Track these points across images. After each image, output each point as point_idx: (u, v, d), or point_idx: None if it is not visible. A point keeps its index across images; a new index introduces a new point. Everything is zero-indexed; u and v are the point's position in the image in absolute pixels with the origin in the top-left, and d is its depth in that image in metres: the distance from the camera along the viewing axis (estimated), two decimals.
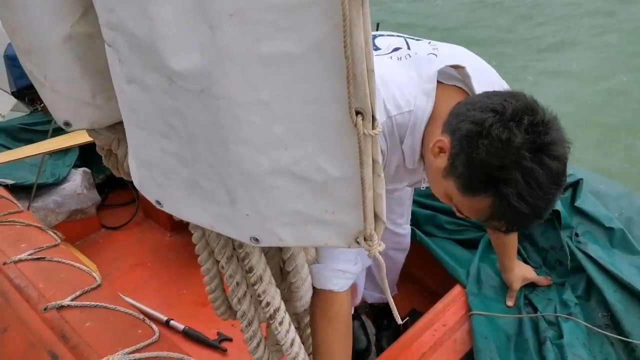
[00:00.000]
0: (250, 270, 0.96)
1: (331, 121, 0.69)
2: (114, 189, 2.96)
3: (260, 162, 0.73)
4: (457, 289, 1.74)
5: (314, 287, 1.21)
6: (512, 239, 1.66)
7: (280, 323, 1.00)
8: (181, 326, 2.18)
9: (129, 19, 0.74)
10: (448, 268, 1.80)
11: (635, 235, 1.67)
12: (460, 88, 1.22)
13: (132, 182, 0.96)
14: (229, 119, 0.71)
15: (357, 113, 0.67)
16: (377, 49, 1.29)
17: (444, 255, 1.83)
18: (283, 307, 1.02)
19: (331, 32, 0.62)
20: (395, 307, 0.90)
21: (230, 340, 2.15)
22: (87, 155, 2.76)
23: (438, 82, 1.19)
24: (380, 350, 1.91)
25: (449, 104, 1.14)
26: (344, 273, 1.25)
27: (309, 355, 1.15)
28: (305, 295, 1.09)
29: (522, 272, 1.69)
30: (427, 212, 1.98)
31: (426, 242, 1.90)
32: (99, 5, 0.79)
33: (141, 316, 1.50)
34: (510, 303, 1.67)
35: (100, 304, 1.50)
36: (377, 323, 2.06)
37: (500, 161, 0.97)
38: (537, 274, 1.73)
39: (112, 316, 1.49)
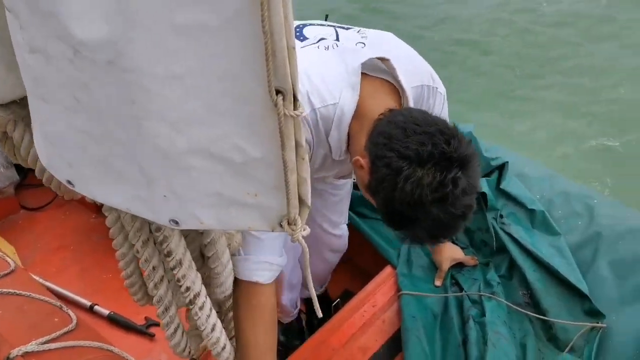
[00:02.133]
0: (169, 254, 0.92)
1: (250, 99, 0.66)
2: None
3: (175, 140, 0.69)
4: (387, 269, 1.77)
5: (238, 279, 1.19)
6: None
7: (201, 308, 0.97)
8: (106, 311, 2.10)
9: None
10: (379, 249, 1.82)
11: (555, 216, 1.75)
12: (387, 80, 1.22)
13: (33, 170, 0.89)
14: (139, 93, 0.66)
15: (278, 92, 0.64)
16: (304, 38, 1.27)
17: (376, 236, 1.85)
18: (204, 291, 0.98)
19: (249, 4, 0.58)
20: (317, 303, 0.90)
21: (158, 325, 2.09)
22: None
23: (364, 74, 1.19)
24: (312, 331, 1.91)
25: (375, 99, 1.16)
26: (270, 265, 1.24)
27: (230, 339, 1.13)
28: (225, 282, 1.06)
29: (450, 253, 1.73)
30: (359, 193, 1.98)
31: (358, 223, 1.90)
32: None
33: (58, 303, 1.42)
34: (438, 283, 1.71)
35: (14, 290, 1.41)
36: (310, 306, 2.06)
37: (413, 214, 1.07)
38: (465, 254, 1.78)
39: (26, 304, 1.41)
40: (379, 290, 1.70)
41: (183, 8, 0.60)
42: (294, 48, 0.62)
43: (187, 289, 0.95)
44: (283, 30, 0.60)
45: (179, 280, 0.94)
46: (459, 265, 1.75)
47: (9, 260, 1.57)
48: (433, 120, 1.11)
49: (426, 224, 1.08)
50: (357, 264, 2.16)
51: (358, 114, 1.18)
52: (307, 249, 0.80)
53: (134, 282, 0.99)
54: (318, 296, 2.03)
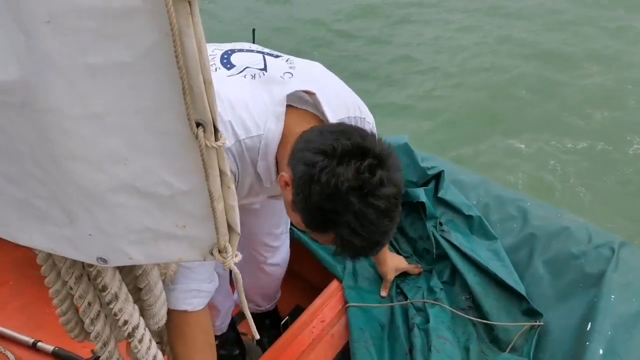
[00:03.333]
0: (104, 288, 0.90)
1: (171, 133, 0.66)
2: None
3: (97, 178, 0.69)
4: (334, 283, 1.79)
5: (168, 308, 1.17)
6: None
7: (140, 341, 0.96)
8: (50, 347, 2.01)
9: None
10: (325, 264, 1.84)
11: (491, 220, 1.82)
12: (313, 112, 1.23)
13: None
14: (57, 133, 0.65)
15: (198, 125, 0.65)
16: (231, 66, 1.26)
17: (321, 251, 1.87)
18: (142, 323, 0.97)
19: (161, 41, 0.59)
20: (253, 324, 0.89)
21: None
22: None
23: (290, 106, 1.20)
24: (263, 350, 1.90)
25: (301, 127, 1.16)
26: (198, 292, 1.24)
27: None
28: (158, 313, 1.05)
29: (395, 263, 1.77)
30: None
31: (303, 240, 1.92)
32: None
33: None
34: (384, 294, 1.74)
35: None
36: (260, 323, 2.05)
37: (332, 206, 1.04)
38: (409, 263, 1.82)
39: None
40: (326, 305, 1.72)
41: (96, 49, 0.60)
42: (210, 82, 0.63)
43: (125, 322, 0.94)
44: (198, 64, 0.61)
45: (115, 315, 0.93)
46: (402, 275, 1.79)
47: None
48: (350, 125, 1.14)
49: (349, 220, 1.04)
50: (307, 280, 2.17)
51: (284, 141, 1.18)
52: (240, 276, 0.80)
53: (70, 319, 0.97)
54: (267, 313, 2.04)
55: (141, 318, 0.97)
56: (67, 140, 0.66)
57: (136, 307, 0.96)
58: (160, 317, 1.06)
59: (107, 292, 0.90)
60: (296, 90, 1.20)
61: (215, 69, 1.24)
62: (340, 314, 1.70)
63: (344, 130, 1.10)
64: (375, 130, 1.37)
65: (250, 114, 1.17)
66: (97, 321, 0.95)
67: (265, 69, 1.26)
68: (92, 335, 0.95)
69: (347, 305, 1.68)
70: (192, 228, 0.74)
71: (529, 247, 1.72)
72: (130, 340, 0.96)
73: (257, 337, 0.93)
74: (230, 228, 0.75)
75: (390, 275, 1.75)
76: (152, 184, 0.70)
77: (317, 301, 1.72)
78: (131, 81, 0.62)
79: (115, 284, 0.91)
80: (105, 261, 0.78)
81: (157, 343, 1.03)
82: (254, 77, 1.23)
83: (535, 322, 1.56)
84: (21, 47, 0.60)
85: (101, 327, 0.95)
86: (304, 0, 7.37)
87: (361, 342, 1.56)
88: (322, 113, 1.21)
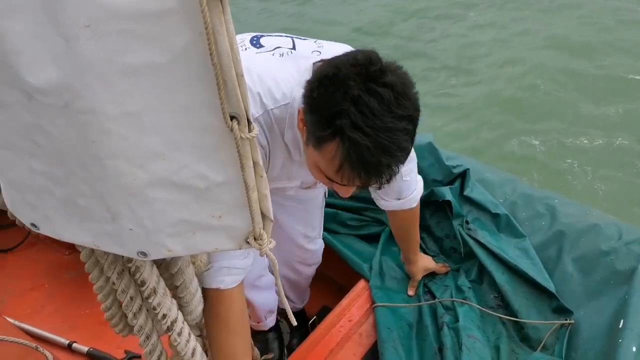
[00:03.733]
0: (143, 283, 0.93)
1: (206, 128, 0.69)
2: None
3: (137, 175, 0.72)
4: (361, 283, 1.79)
5: (203, 288, 1.18)
6: (414, 234, 1.72)
7: (179, 334, 0.99)
8: (85, 348, 2.07)
9: None
10: (352, 264, 1.85)
11: (518, 218, 1.81)
12: None
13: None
14: (98, 133, 0.68)
15: (232, 118, 0.68)
16: (260, 46, 1.29)
17: (348, 251, 1.88)
18: (181, 317, 1.00)
19: (195, 40, 0.62)
20: (291, 312, 0.91)
21: (139, 357, 2.07)
22: None
23: None
24: (290, 350, 1.92)
25: None
26: (229, 269, 1.22)
27: None
28: (195, 310, 1.08)
29: (424, 264, 1.77)
30: (330, 211, 2.02)
31: (330, 240, 1.93)
32: None
33: (34, 344, 1.42)
34: (411, 292, 1.74)
35: None
36: (289, 323, 2.07)
37: (331, 97, 0.98)
38: (436, 263, 1.82)
39: (1, 347, 1.40)
40: (354, 305, 1.73)
41: (132, 50, 0.63)
42: (242, 75, 0.65)
43: (164, 316, 0.96)
44: (230, 60, 0.63)
45: (154, 309, 0.95)
46: (430, 274, 1.79)
47: None
48: None
49: (350, 111, 0.97)
50: (334, 280, 2.19)
51: None
52: (276, 261, 0.82)
53: (114, 314, 0.99)
54: (297, 313, 2.06)
55: (179, 312, 1.00)
56: (107, 139, 0.69)
57: (174, 301, 0.99)
58: (197, 314, 1.09)
59: (145, 286, 0.93)
60: (322, 60, 1.21)
61: (245, 49, 1.27)
62: (367, 314, 1.70)
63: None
64: None
65: (278, 85, 1.19)
66: (140, 315, 0.97)
67: (294, 47, 1.28)
68: (136, 328, 0.98)
69: (375, 305, 1.68)
70: (227, 218, 0.77)
71: (557, 245, 1.70)
72: (169, 333, 0.99)
73: (295, 323, 0.94)
74: (263, 216, 0.78)
75: (419, 275, 1.76)
76: (189, 177, 0.73)
77: (345, 301, 1.73)
78: (166, 80, 0.65)
79: (153, 278, 0.93)
80: (145, 255, 0.80)
81: (197, 336, 1.05)
82: (282, 55, 1.25)
83: (566, 320, 1.55)
84: (61, 51, 0.63)
85: (143, 320, 0.98)
86: (323, 1, 7.45)
87: (389, 342, 1.56)
88: None
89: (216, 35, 0.61)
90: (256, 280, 1.77)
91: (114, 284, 0.95)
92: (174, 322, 0.99)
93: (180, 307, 1.04)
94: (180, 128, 0.69)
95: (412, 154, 1.39)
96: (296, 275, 1.94)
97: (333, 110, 0.98)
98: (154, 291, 0.95)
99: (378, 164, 1.01)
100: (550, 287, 1.60)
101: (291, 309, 2.03)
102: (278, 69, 1.21)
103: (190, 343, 1.03)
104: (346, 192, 1.14)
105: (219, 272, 1.21)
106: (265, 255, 0.80)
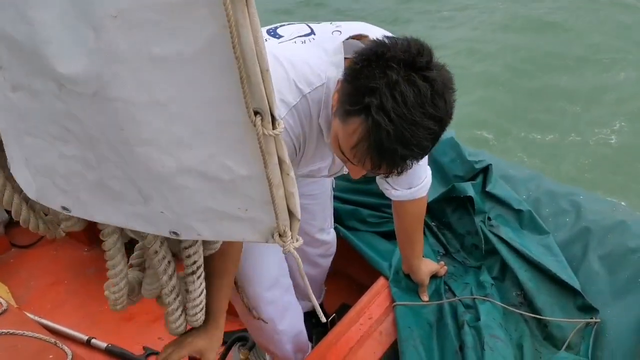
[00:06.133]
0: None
1: (231, 122, 0.69)
2: None
3: (166, 162, 0.73)
4: (380, 281, 1.77)
5: None
6: (420, 235, 1.68)
7: (199, 277, 1.09)
8: (104, 344, 2.08)
9: (7, 24, 0.70)
10: (371, 261, 1.83)
11: (542, 215, 1.77)
12: None
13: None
14: (127, 120, 0.70)
15: (256, 113, 0.66)
16: (279, 36, 1.28)
17: (367, 249, 1.86)
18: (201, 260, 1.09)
19: (219, 33, 0.61)
20: (319, 308, 0.90)
21: (157, 354, 2.07)
22: None
23: (345, 58, 1.19)
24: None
25: None
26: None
27: None
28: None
29: (428, 268, 1.72)
30: (349, 207, 2.00)
31: (349, 238, 1.92)
32: None
33: (53, 340, 1.42)
34: (426, 298, 1.70)
35: (7, 330, 1.41)
36: (307, 321, 2.06)
37: (370, 72, 0.97)
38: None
39: (20, 342, 1.41)
40: (374, 302, 1.70)
41: (159, 41, 0.63)
42: (267, 70, 0.64)
43: (194, 262, 1.06)
44: (254, 54, 0.62)
45: (189, 257, 1.05)
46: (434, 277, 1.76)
47: (0, 300, 1.56)
48: None
49: (382, 91, 0.95)
50: (353, 277, 2.17)
51: None
52: (300, 260, 0.81)
53: (123, 294, 1.06)
54: (314, 311, 2.04)
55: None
56: (136, 127, 0.70)
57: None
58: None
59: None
60: (349, 37, 1.20)
61: (266, 40, 1.26)
62: (387, 311, 1.68)
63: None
64: None
65: (311, 67, 1.18)
66: (173, 277, 1.07)
67: (313, 32, 1.28)
68: (168, 288, 1.07)
69: (395, 304, 1.66)
70: (253, 211, 0.77)
71: (583, 242, 1.67)
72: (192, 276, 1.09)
73: (324, 320, 0.93)
74: (290, 214, 0.77)
75: (427, 280, 1.72)
76: (215, 168, 0.73)
77: (365, 298, 1.72)
78: (192, 72, 0.65)
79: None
80: (177, 234, 0.83)
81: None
82: (304, 42, 1.24)
83: (592, 318, 1.51)
84: (91, 41, 0.64)
85: (175, 281, 1.07)
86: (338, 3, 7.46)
87: (409, 342, 1.54)
88: None
89: (239, 29, 0.60)
90: (273, 288, 1.63)
91: (156, 252, 1.00)
92: (200, 266, 1.08)
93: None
94: (205, 120, 0.69)
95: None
96: (313, 270, 1.93)
97: (368, 86, 0.97)
98: (189, 244, 1.03)
99: (393, 152, 1.00)
100: (575, 284, 1.57)
101: (310, 307, 2.03)
102: (307, 53, 1.21)
103: (202, 284, 1.12)
104: (357, 172, 1.15)
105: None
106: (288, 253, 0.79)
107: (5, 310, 1.52)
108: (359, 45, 1.21)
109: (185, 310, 1.15)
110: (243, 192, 0.75)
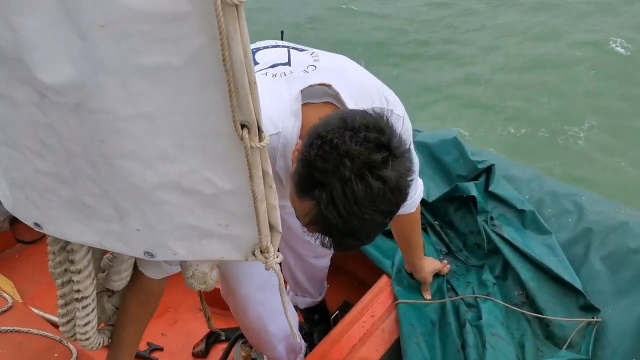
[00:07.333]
0: (72, 262, 1.05)
1: (217, 134, 0.68)
2: None
3: (147, 176, 0.72)
4: (383, 279, 1.77)
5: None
6: (418, 239, 1.67)
7: (84, 307, 1.13)
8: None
9: None
10: (374, 260, 1.83)
11: (545, 215, 1.76)
12: (332, 103, 1.19)
13: None
14: (109, 133, 0.68)
15: (243, 126, 0.66)
16: (255, 63, 1.25)
17: (369, 247, 1.86)
18: (93, 295, 1.14)
19: (209, 45, 0.61)
20: (297, 331, 0.88)
21: (161, 349, 2.09)
22: None
23: (307, 103, 1.17)
24: (312, 346, 1.92)
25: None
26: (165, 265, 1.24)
27: None
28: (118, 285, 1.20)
29: (431, 267, 1.72)
30: None
31: None
32: None
33: (58, 337, 1.44)
34: (428, 297, 1.70)
35: (12, 328, 1.42)
36: (309, 318, 2.07)
37: (324, 164, 0.95)
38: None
39: (25, 340, 1.43)
40: (376, 300, 1.71)
41: (147, 51, 0.62)
42: (255, 83, 0.64)
43: (78, 291, 1.12)
44: (244, 66, 0.62)
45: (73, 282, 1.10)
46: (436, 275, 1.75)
47: (6, 296, 1.58)
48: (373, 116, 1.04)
49: (334, 186, 0.93)
50: (355, 275, 2.17)
51: (302, 136, 1.14)
52: (282, 277, 0.80)
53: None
54: (317, 306, 2.05)
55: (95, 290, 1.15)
56: (118, 139, 0.69)
57: (94, 282, 1.13)
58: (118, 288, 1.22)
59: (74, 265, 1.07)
60: (311, 85, 1.17)
61: None
62: (390, 309, 1.69)
63: (372, 111, 1.03)
64: (407, 120, 1.31)
65: (268, 114, 1.09)
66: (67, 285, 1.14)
67: (289, 62, 1.24)
68: (59, 293, 1.14)
69: (397, 302, 1.66)
70: (235, 227, 0.76)
71: (585, 242, 1.66)
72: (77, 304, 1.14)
73: (299, 340, 0.93)
74: (272, 227, 0.76)
75: (430, 279, 1.72)
76: (197, 182, 0.72)
77: (367, 296, 1.72)
78: (180, 83, 0.64)
79: (83, 262, 1.05)
80: (152, 255, 0.81)
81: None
82: (275, 75, 1.21)
83: (593, 317, 1.51)
84: (77, 50, 0.63)
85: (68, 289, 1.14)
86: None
87: (412, 339, 1.54)
88: (343, 104, 1.17)
89: (230, 41, 0.59)
90: (263, 289, 1.58)
91: (54, 253, 1.07)
92: (84, 297, 1.10)
93: (108, 274, 1.17)
94: (191, 132, 0.69)
95: (415, 158, 1.32)
96: (312, 269, 1.92)
97: (319, 178, 0.95)
98: (78, 271, 1.05)
99: (342, 242, 1.02)
100: (577, 284, 1.57)
101: (310, 302, 2.04)
102: (269, 95, 1.15)
103: (89, 316, 1.16)
104: None
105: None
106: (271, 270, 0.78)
107: (10, 307, 1.53)
108: (326, 91, 1.18)
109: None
110: (225, 207, 0.74)
